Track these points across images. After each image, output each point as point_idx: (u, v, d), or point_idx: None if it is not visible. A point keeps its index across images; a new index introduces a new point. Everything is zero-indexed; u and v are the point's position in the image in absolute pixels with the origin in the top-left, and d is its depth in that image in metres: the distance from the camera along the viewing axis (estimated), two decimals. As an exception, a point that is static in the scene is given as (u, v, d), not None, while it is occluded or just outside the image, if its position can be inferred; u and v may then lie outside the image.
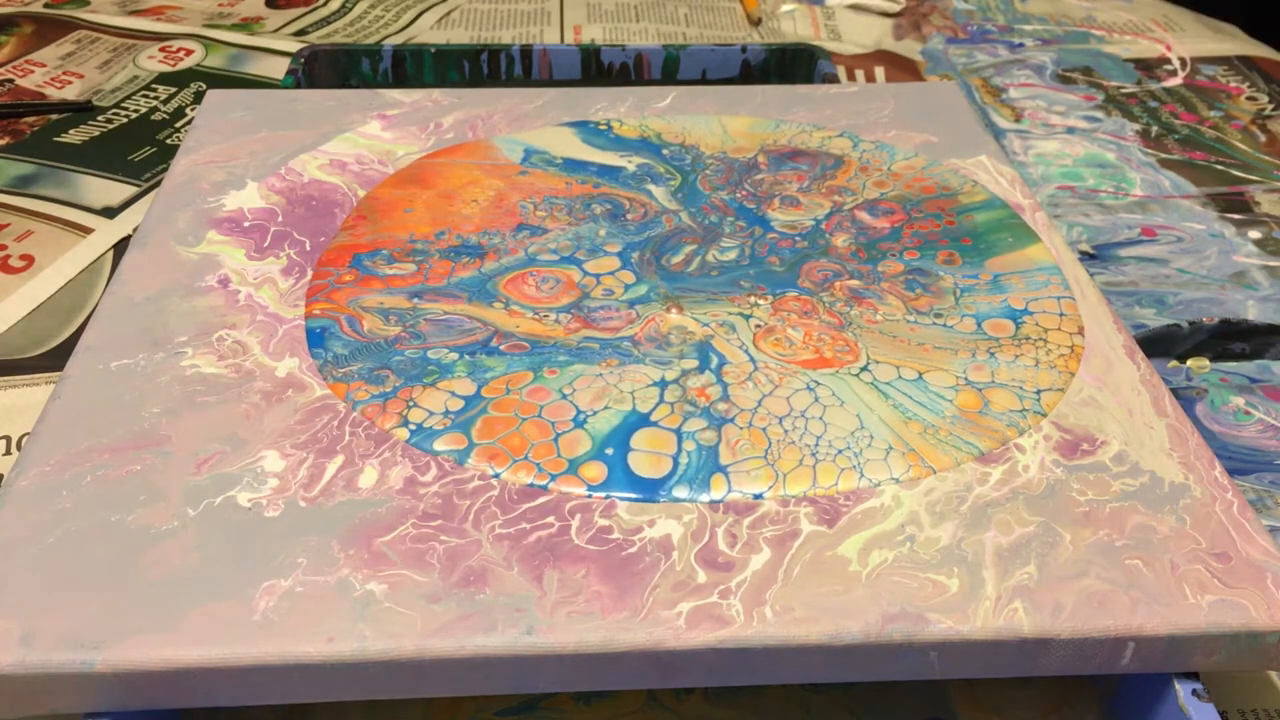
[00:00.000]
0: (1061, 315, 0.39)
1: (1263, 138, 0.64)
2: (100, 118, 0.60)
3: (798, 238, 0.42)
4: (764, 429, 0.33)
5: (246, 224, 0.41)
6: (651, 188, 0.45)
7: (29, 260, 0.50)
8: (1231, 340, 0.48)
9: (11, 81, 0.64)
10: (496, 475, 0.31)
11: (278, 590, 0.28)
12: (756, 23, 0.75)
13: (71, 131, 0.59)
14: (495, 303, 0.38)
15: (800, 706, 0.32)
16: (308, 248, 0.40)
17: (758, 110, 0.51)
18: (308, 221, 0.41)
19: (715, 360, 0.36)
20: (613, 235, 0.42)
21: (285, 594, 0.28)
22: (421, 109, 0.49)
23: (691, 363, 0.36)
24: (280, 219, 0.41)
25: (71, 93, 0.63)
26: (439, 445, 0.32)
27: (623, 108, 0.50)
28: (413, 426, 0.32)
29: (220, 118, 0.47)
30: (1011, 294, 0.40)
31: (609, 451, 0.32)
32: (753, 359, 0.36)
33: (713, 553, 0.29)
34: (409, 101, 0.49)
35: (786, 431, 0.33)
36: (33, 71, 0.65)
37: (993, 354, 0.37)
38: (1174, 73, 0.72)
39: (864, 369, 0.36)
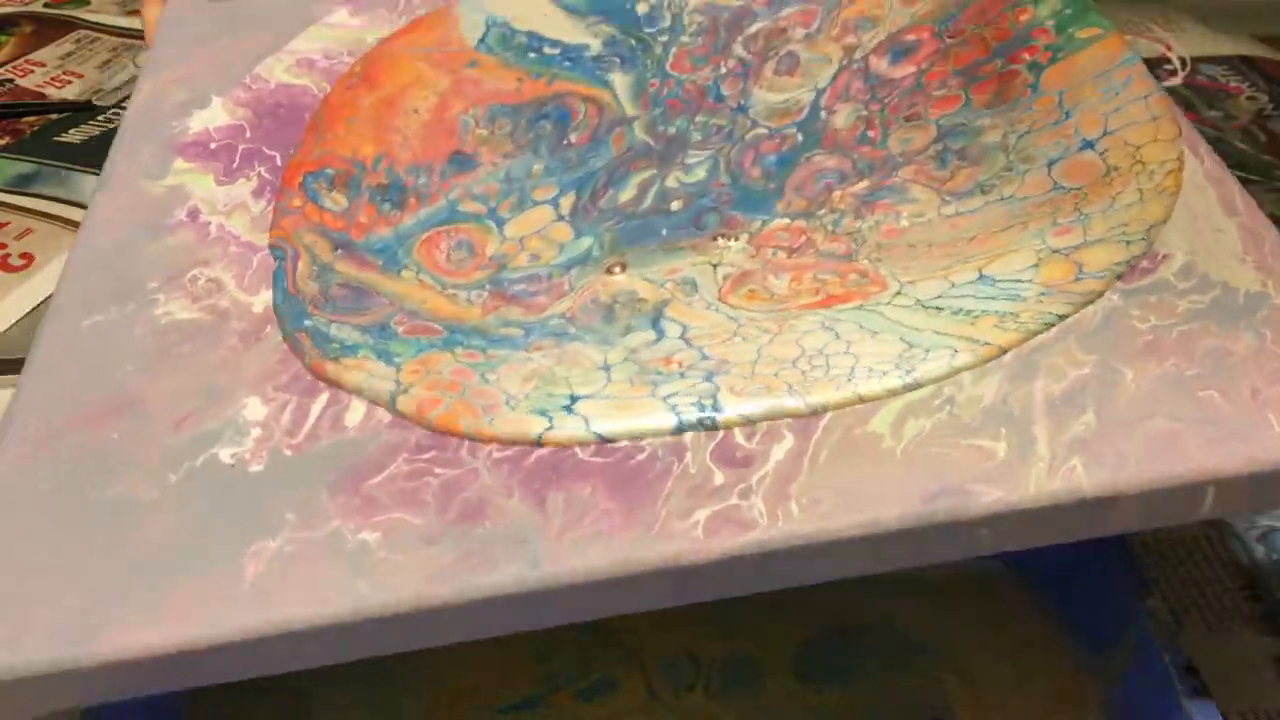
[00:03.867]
0: (1154, 119, 0.31)
1: (1263, 138, 0.63)
2: (100, 117, 0.59)
3: (788, 129, 0.34)
4: (775, 374, 0.27)
5: (213, 145, 0.37)
6: (615, 76, 0.37)
7: (28, 259, 0.49)
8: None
9: (11, 81, 0.63)
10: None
11: (266, 553, 0.25)
12: None
13: (71, 131, 0.57)
14: (405, 270, 0.32)
15: (801, 705, 0.32)
16: (279, 162, 0.36)
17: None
18: (277, 133, 0.37)
19: (678, 330, 0.29)
20: (550, 171, 0.34)
21: (275, 556, 0.25)
22: None
23: (645, 335, 0.29)
24: (248, 134, 0.37)
25: (71, 92, 0.62)
26: None
27: None
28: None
29: (179, 30, 0.42)
30: (1083, 114, 0.31)
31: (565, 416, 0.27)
32: (732, 318, 0.29)
33: (729, 448, 0.26)
34: None
35: (805, 371, 0.27)
36: (32, 71, 0.64)
37: (1080, 210, 0.29)
38: (1174, 72, 0.72)
39: (898, 294, 0.28)
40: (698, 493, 0.25)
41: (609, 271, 0.31)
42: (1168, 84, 0.67)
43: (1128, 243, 0.28)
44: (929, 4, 0.36)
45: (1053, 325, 0.27)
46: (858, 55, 0.35)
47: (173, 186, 0.35)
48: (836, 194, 0.31)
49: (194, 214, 0.35)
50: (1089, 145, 0.31)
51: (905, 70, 0.34)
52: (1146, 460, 0.25)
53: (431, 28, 0.40)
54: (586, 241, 0.31)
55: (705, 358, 0.28)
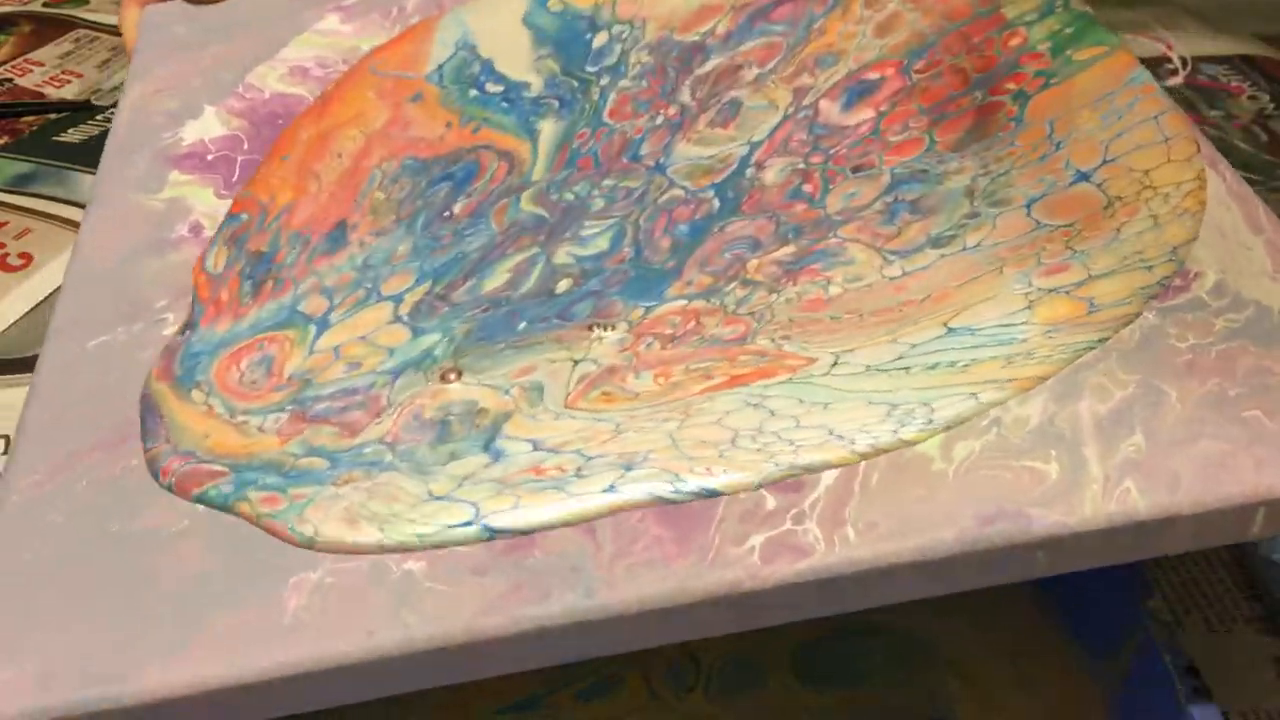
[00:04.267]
0: (1167, 140, 0.29)
1: (1264, 137, 0.63)
2: (99, 117, 0.58)
3: (705, 192, 0.31)
4: (719, 454, 0.25)
5: (210, 157, 0.35)
6: (545, 124, 0.34)
7: (27, 259, 0.48)
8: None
9: (10, 81, 0.62)
10: None
11: (307, 585, 0.24)
12: None
13: (70, 131, 0.57)
14: (195, 391, 0.28)
15: (801, 706, 0.32)
16: None
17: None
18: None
19: (525, 447, 0.25)
20: (416, 253, 0.31)
21: (315, 588, 0.24)
22: None
23: (477, 460, 0.25)
24: (246, 145, 0.36)
25: (70, 92, 0.61)
26: None
27: None
28: None
29: (161, 35, 0.41)
30: (1077, 144, 0.30)
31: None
32: (602, 420, 0.26)
33: None
34: None
35: (762, 446, 0.25)
36: (31, 71, 0.63)
37: (1072, 248, 0.28)
38: (1175, 72, 0.72)
39: (835, 364, 0.26)
40: (750, 518, 0.25)
41: (444, 378, 0.27)
42: (1169, 84, 0.67)
43: (1149, 267, 0.28)
44: (904, 34, 0.34)
45: (1092, 349, 0.26)
46: (807, 101, 0.33)
47: (171, 200, 0.34)
48: (752, 264, 0.29)
49: (196, 229, 0.34)
50: (1084, 177, 0.29)
51: (861, 115, 0.32)
52: (1199, 481, 0.24)
53: (407, 44, 0.38)
54: (429, 340, 0.28)
55: (594, 457, 0.25)
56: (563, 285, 0.29)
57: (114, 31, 0.68)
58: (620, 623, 0.24)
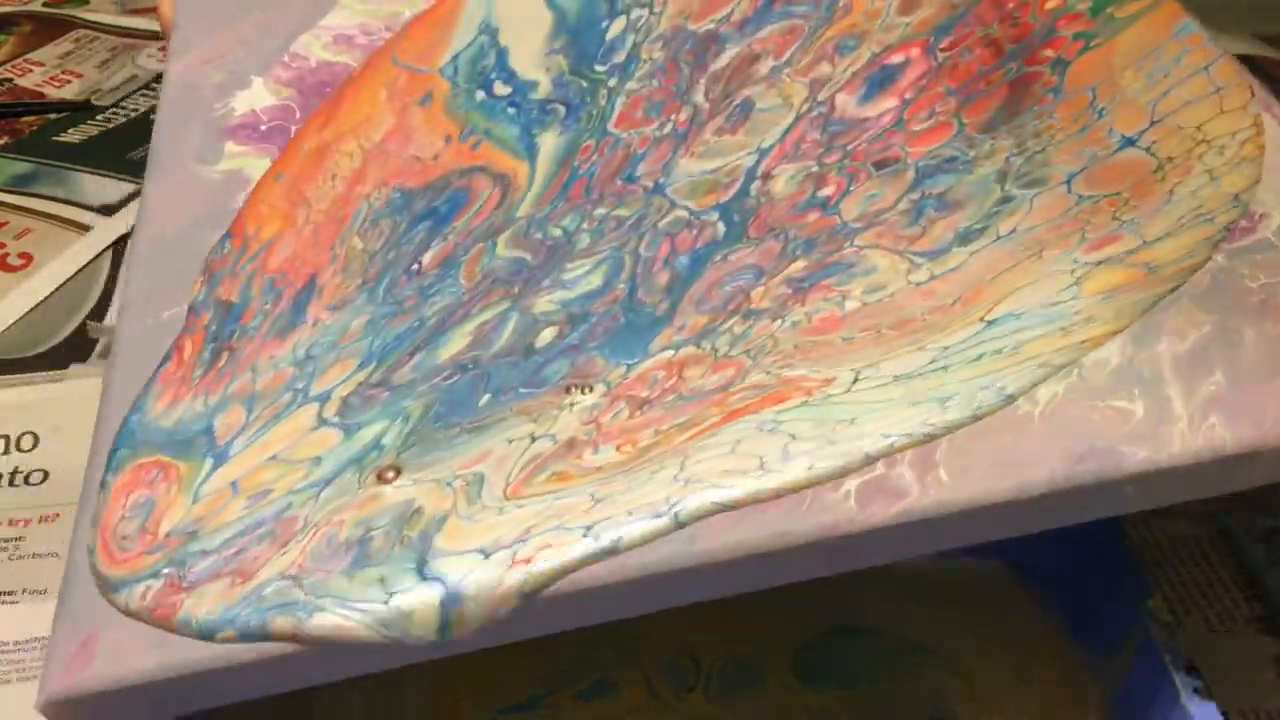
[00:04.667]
0: (1218, 90, 0.28)
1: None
2: (99, 117, 0.58)
3: (709, 214, 0.29)
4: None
5: (263, 127, 0.35)
6: (548, 135, 0.32)
7: (27, 258, 0.48)
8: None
9: (10, 81, 0.62)
10: None
11: None
12: None
13: (70, 131, 0.57)
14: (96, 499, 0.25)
15: (801, 706, 0.32)
16: None
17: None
18: None
19: (448, 572, 0.22)
20: (370, 329, 0.27)
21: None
22: None
23: (411, 597, 0.22)
24: (298, 114, 0.35)
25: (70, 92, 0.61)
26: None
27: None
28: None
29: (200, 6, 0.40)
30: (1120, 109, 0.29)
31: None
32: (550, 498, 0.23)
33: None
34: None
35: (778, 465, 0.24)
36: (31, 71, 0.63)
37: (1118, 218, 0.27)
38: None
39: (856, 381, 0.25)
40: None
41: (380, 478, 0.24)
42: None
43: (1210, 219, 0.27)
44: (931, 7, 0.32)
45: (1161, 299, 0.26)
46: (823, 95, 0.31)
47: (230, 171, 0.34)
48: (756, 291, 0.27)
49: None
50: (1130, 143, 0.28)
51: (883, 105, 0.30)
52: None
53: (432, 29, 0.36)
54: (371, 432, 0.25)
55: (596, 523, 0.23)
56: (545, 336, 0.27)
57: (114, 31, 0.68)
58: (719, 568, 0.24)
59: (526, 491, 0.24)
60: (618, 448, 0.24)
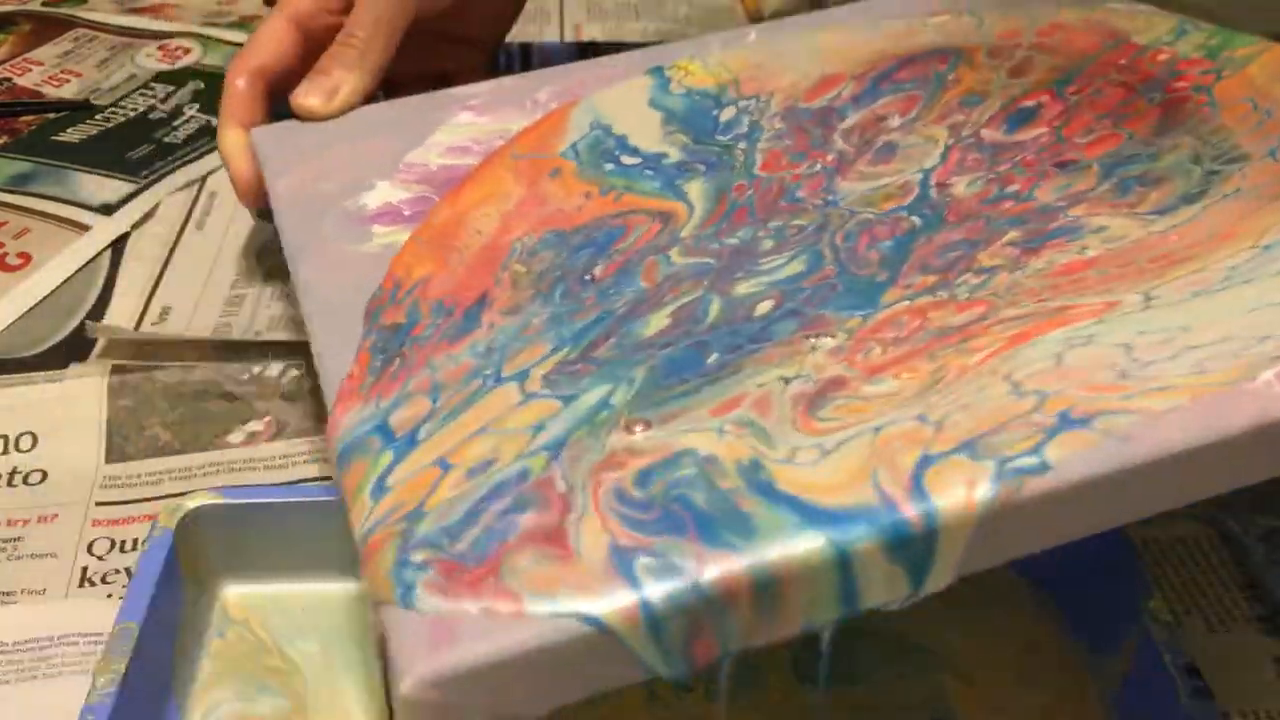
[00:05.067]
0: None
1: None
2: (98, 116, 0.58)
3: (898, 212, 0.29)
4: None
5: (407, 213, 0.34)
6: (694, 185, 0.33)
7: (26, 258, 0.48)
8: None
9: (9, 80, 0.61)
10: None
11: None
12: (757, 20, 0.75)
13: (69, 130, 0.57)
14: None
15: (801, 705, 0.32)
16: None
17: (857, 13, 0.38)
18: None
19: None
20: (552, 322, 0.27)
21: None
22: (504, 91, 0.40)
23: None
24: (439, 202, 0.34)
25: (69, 91, 0.61)
26: None
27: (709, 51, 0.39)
28: None
29: (286, 144, 0.39)
30: None
31: None
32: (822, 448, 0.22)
33: None
34: (485, 90, 0.40)
35: (1138, 372, 0.22)
36: (30, 70, 0.63)
37: None
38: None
39: (1149, 300, 0.24)
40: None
41: (629, 430, 0.23)
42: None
43: None
44: (1041, 71, 0.33)
45: None
46: (966, 132, 0.32)
47: (385, 245, 0.32)
48: (982, 255, 0.26)
49: None
50: None
51: (1034, 132, 0.31)
52: None
53: (543, 131, 0.37)
54: (595, 395, 0.24)
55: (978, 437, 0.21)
56: (763, 307, 0.26)
57: (113, 31, 0.68)
58: (1160, 466, 0.22)
59: (821, 426, 0.22)
60: (895, 376, 0.23)
